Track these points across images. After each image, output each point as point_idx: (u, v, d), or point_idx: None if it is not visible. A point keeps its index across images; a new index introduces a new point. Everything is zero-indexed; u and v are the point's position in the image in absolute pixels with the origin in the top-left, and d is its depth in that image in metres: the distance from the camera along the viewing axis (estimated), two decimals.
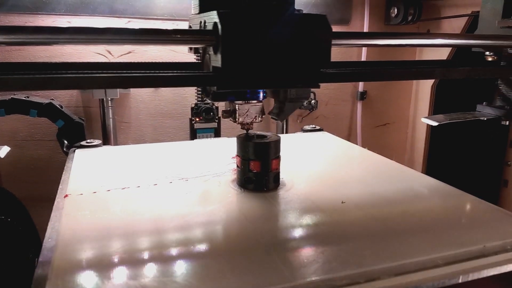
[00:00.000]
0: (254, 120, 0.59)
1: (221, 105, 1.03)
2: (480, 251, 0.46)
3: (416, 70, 0.61)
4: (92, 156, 0.78)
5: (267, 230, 0.50)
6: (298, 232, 0.50)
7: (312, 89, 0.71)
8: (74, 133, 0.95)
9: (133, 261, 0.42)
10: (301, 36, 0.46)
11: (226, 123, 1.09)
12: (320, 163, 0.76)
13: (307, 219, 0.53)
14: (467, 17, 1.11)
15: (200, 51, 0.52)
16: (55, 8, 0.93)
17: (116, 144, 1.02)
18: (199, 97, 1.02)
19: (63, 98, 0.99)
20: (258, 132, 0.63)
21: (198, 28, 0.49)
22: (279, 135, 0.63)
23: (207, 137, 1.02)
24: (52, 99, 0.96)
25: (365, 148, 0.89)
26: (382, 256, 0.43)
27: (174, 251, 0.45)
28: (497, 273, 0.44)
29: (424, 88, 1.28)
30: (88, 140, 0.86)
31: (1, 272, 0.63)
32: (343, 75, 0.56)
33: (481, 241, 0.47)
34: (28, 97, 0.91)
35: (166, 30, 0.44)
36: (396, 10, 1.17)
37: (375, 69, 0.58)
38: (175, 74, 0.44)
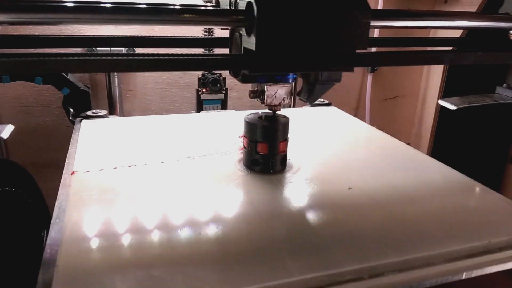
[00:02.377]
0: (283, 102, 0.58)
1: (228, 75, 1.01)
2: (485, 247, 0.46)
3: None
4: (98, 127, 0.78)
5: (271, 218, 0.50)
6: (302, 221, 0.50)
7: None
8: (79, 101, 0.94)
9: (139, 247, 0.43)
10: (339, 16, 0.43)
11: (232, 94, 1.07)
12: (327, 143, 0.75)
13: (312, 207, 0.53)
14: None
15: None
16: None
17: (122, 113, 1.01)
18: None
19: None
20: (267, 112, 0.62)
21: (227, 4, 0.47)
22: (287, 116, 0.61)
23: (213, 109, 1.01)
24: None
25: (373, 126, 0.88)
26: (387, 251, 0.43)
27: (180, 237, 0.45)
28: (501, 269, 0.44)
29: None
30: (94, 110, 0.85)
31: (14, 245, 0.64)
32: (380, 59, 0.51)
33: (487, 236, 0.47)
34: None
35: (196, 9, 0.42)
36: None
37: (413, 53, 0.54)
38: (206, 57, 0.42)
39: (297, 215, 0.51)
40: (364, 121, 1.26)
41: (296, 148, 0.69)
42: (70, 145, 0.70)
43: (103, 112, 0.85)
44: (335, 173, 0.62)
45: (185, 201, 0.52)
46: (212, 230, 0.46)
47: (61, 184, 0.56)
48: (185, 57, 0.38)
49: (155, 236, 0.45)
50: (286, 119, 0.61)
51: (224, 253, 0.42)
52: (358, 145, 0.76)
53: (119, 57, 0.37)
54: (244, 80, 0.48)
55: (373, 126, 1.23)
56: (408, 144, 1.39)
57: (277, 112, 0.61)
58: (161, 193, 0.54)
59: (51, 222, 0.47)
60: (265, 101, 0.54)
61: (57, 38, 0.56)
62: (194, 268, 0.40)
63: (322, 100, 1.00)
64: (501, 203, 0.55)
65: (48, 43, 0.53)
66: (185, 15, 0.40)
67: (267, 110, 0.61)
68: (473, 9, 1.09)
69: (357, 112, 1.28)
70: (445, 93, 1.25)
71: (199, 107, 1.01)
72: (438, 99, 1.26)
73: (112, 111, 0.99)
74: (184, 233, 0.45)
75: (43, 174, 0.83)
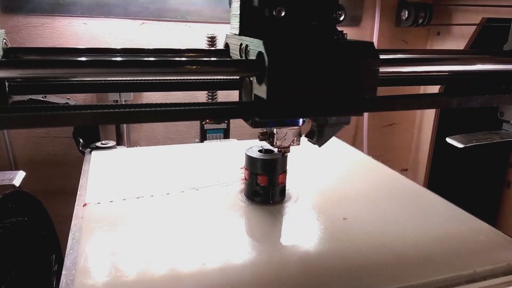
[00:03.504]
0: (292, 143, 0.60)
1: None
2: (470, 275, 0.49)
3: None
4: (106, 158, 0.82)
5: (269, 247, 0.53)
6: (298, 251, 0.53)
7: None
8: (89, 132, 0.98)
9: (148, 275, 0.46)
10: (349, 65, 0.45)
11: (234, 122, 1.12)
12: (325, 173, 0.79)
13: (309, 236, 0.56)
14: (479, 22, 1.11)
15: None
16: (72, 10, 0.95)
17: (129, 142, 1.06)
18: (209, 99, 1.04)
19: (79, 97, 1.02)
20: (266, 145, 0.65)
21: (237, 49, 0.49)
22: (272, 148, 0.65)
23: (216, 138, 1.05)
24: (69, 98, 0.99)
25: (371, 154, 0.92)
26: (379, 280, 0.47)
27: (185, 267, 0.48)
28: None
29: (433, 89, 1.29)
30: (103, 142, 0.90)
31: (27, 269, 0.68)
32: (388, 104, 0.52)
33: (473, 265, 0.50)
34: (45, 96, 0.95)
35: (209, 60, 0.43)
36: (406, 13, 1.17)
37: (421, 97, 0.57)
38: (216, 107, 0.43)
39: (294, 245, 0.54)
40: (362, 147, 1.30)
41: (295, 178, 0.72)
42: (81, 176, 0.74)
43: (112, 143, 0.89)
44: (332, 203, 0.66)
45: (189, 232, 0.56)
46: (213, 259, 0.50)
47: (74, 215, 0.60)
48: (199, 107, 0.41)
49: (161, 265, 0.48)
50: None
51: (224, 279, 0.46)
52: (354, 175, 0.79)
53: (127, 109, 0.40)
54: (255, 125, 0.49)
55: (371, 152, 1.27)
56: (406, 170, 1.43)
57: (260, 144, 0.65)
58: (167, 224, 0.58)
59: (66, 253, 0.51)
60: (274, 143, 0.57)
61: (71, 84, 0.60)
62: None
63: None
64: (489, 233, 0.58)
65: (64, 89, 0.57)
66: (197, 66, 0.42)
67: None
68: (464, 41, 1.15)
69: (355, 139, 1.32)
70: (440, 120, 1.29)
71: (203, 136, 1.06)
72: (433, 125, 1.30)
73: (119, 141, 1.03)
74: (189, 262, 0.49)
75: (53, 201, 0.87)
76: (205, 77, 0.54)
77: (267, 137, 0.57)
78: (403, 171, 1.42)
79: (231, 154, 0.86)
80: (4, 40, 0.52)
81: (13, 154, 1.02)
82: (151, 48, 0.55)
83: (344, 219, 0.60)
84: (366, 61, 0.45)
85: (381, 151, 1.36)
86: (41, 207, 0.78)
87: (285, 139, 0.56)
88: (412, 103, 0.54)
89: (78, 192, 0.67)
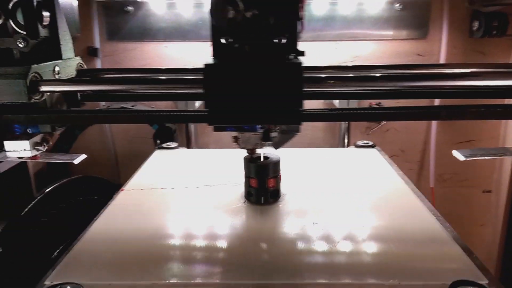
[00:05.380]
0: (255, 147, 0.71)
1: None
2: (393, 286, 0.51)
3: (419, 112, 0.62)
4: (163, 156, 1.01)
5: (246, 242, 0.63)
6: (260, 244, 0.62)
7: None
8: (165, 135, 1.20)
9: (140, 255, 0.61)
10: (277, 82, 0.52)
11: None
12: (336, 184, 0.83)
13: (278, 235, 0.64)
14: None
15: None
16: (156, 36, 1.18)
17: (197, 145, 1.25)
18: None
19: (161, 105, 1.24)
20: (266, 153, 0.75)
21: None
22: (279, 156, 0.74)
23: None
24: (153, 107, 1.23)
25: (401, 176, 0.89)
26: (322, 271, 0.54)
27: (180, 244, 0.62)
28: None
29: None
30: (168, 143, 1.09)
31: None
32: (322, 116, 0.59)
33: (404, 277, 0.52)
34: (134, 105, 1.20)
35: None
36: (477, 23, 1.10)
37: (354, 111, 0.63)
38: (172, 113, 0.59)
39: (263, 237, 0.64)
40: (429, 166, 1.25)
41: (301, 183, 0.80)
42: (138, 168, 0.94)
43: (174, 144, 1.08)
44: (315, 210, 0.71)
45: (186, 220, 0.70)
46: (198, 240, 0.63)
47: (113, 197, 0.79)
48: (160, 113, 0.57)
49: (159, 240, 0.63)
50: (277, 159, 0.73)
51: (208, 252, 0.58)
52: (368, 193, 0.78)
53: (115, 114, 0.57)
54: (215, 129, 0.59)
55: (443, 170, 1.22)
56: (489, 191, 1.31)
57: (273, 152, 0.74)
58: (171, 211, 0.72)
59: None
60: (240, 146, 0.67)
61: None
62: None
63: (367, 141, 1.06)
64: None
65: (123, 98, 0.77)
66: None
67: (271, 150, 0.73)
68: None
69: (423, 158, 1.27)
70: None
71: None
72: None
73: (189, 144, 1.23)
74: (185, 241, 0.63)
75: None
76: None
77: (236, 140, 0.67)
78: (486, 192, 1.30)
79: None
80: (79, 64, 0.72)
81: (114, 149, 1.30)
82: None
83: (314, 223, 0.66)
84: (286, 80, 0.52)
85: (455, 170, 1.28)
86: (113, 188, 1.00)
87: (248, 142, 0.65)
88: (351, 115, 0.58)
89: (128, 181, 0.87)
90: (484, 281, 0.51)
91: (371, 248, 0.60)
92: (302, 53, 0.57)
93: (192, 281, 0.53)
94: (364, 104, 1.15)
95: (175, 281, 0.53)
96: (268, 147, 0.67)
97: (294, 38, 0.56)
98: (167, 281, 0.53)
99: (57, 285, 0.51)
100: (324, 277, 0.53)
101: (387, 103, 1.10)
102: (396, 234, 0.63)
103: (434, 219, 0.67)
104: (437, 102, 1.12)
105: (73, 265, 0.57)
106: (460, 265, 0.55)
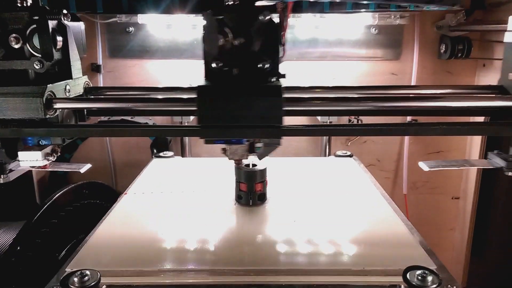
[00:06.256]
0: (242, 157, 0.81)
1: None
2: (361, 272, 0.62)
3: (390, 128, 0.71)
4: (160, 164, 1.11)
5: (236, 237, 0.74)
6: (250, 237, 0.72)
7: None
8: (161, 145, 1.31)
9: (146, 247, 0.71)
10: (260, 102, 0.61)
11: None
12: (317, 190, 0.93)
13: (264, 230, 0.75)
14: None
15: None
16: (154, 54, 1.29)
17: (191, 154, 1.35)
18: None
19: (157, 119, 1.34)
20: (255, 161, 0.85)
21: None
22: (265, 164, 0.84)
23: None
24: (151, 119, 1.33)
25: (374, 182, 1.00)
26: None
27: (171, 241, 0.72)
28: None
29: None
30: (165, 152, 1.19)
31: None
32: (300, 131, 0.67)
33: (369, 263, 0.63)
34: (133, 117, 1.29)
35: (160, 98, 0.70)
36: (444, 46, 1.23)
37: (332, 127, 0.73)
38: (169, 128, 0.70)
39: (252, 233, 0.74)
40: (403, 174, 1.37)
41: (287, 188, 0.91)
42: (138, 175, 1.04)
43: (170, 154, 1.18)
44: (298, 211, 0.82)
45: (181, 218, 0.80)
46: (195, 235, 0.73)
47: (117, 200, 0.89)
48: (154, 128, 0.67)
49: (161, 234, 0.73)
50: (264, 167, 0.84)
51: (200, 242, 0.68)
52: (346, 199, 0.88)
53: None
54: (206, 141, 0.67)
55: (415, 178, 1.33)
56: (458, 198, 1.43)
57: (262, 161, 0.84)
58: (167, 212, 0.82)
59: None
60: (228, 157, 0.77)
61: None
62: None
63: (345, 152, 1.17)
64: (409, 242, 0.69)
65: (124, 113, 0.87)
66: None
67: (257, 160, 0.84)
68: None
69: (398, 166, 1.39)
70: (487, 148, 1.29)
71: None
72: (480, 153, 1.30)
73: (183, 154, 1.33)
74: (184, 235, 0.73)
75: None
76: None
77: (225, 151, 0.76)
78: (454, 199, 1.43)
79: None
80: (86, 82, 0.81)
81: (112, 157, 1.39)
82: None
83: (294, 221, 0.77)
84: (268, 101, 0.61)
85: (428, 178, 1.41)
86: (114, 193, 1.10)
87: (235, 153, 0.75)
88: (328, 130, 0.69)
89: (130, 186, 0.97)
90: (433, 267, 0.61)
91: (341, 240, 0.71)
92: (283, 76, 0.66)
93: (190, 267, 0.63)
94: (344, 119, 1.27)
95: (177, 267, 0.63)
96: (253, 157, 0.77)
97: (276, 63, 0.64)
98: (170, 268, 0.63)
99: (77, 271, 0.61)
100: (302, 263, 0.63)
101: (364, 118, 1.22)
102: (363, 229, 0.75)
103: (397, 217, 0.78)
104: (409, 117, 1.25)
105: (89, 255, 0.66)
106: (414, 253, 0.66)
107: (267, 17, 0.61)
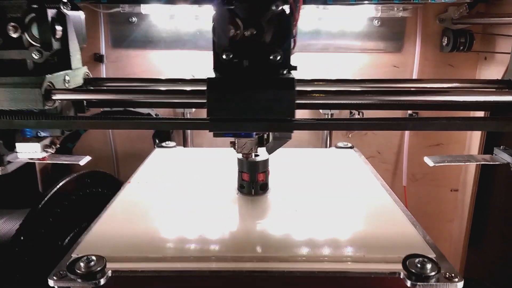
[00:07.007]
0: (251, 151, 0.81)
1: None
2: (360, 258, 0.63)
3: (390, 123, 0.70)
4: (163, 154, 1.12)
5: (239, 225, 0.75)
6: (252, 226, 0.74)
7: None
8: (163, 135, 1.31)
9: (151, 234, 0.72)
10: (272, 95, 0.59)
11: None
12: (317, 180, 0.95)
13: (266, 219, 0.76)
14: None
15: None
16: (158, 45, 1.30)
17: (192, 144, 1.36)
18: None
19: (160, 110, 1.34)
20: (256, 153, 0.86)
21: None
22: (267, 155, 0.85)
23: None
24: (153, 109, 1.33)
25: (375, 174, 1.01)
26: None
27: (175, 228, 0.73)
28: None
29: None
30: (167, 142, 1.20)
31: None
32: (310, 125, 0.66)
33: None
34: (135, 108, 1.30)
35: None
36: (446, 39, 1.24)
37: (342, 121, 0.73)
38: (176, 121, 0.70)
39: (254, 222, 0.75)
40: (403, 166, 1.38)
41: (289, 180, 0.92)
42: (141, 164, 1.05)
43: (172, 144, 1.19)
44: (299, 201, 0.83)
45: (185, 206, 0.81)
46: (199, 222, 0.74)
47: (121, 188, 0.90)
48: (159, 121, 0.68)
49: (165, 221, 0.74)
50: (266, 157, 0.85)
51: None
52: (345, 189, 0.90)
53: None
54: (215, 135, 0.67)
55: (415, 170, 1.35)
56: (456, 190, 1.44)
57: (263, 151, 0.85)
58: (171, 201, 0.83)
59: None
60: (237, 150, 0.78)
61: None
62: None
63: (346, 143, 1.18)
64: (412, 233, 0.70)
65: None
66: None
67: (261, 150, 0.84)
68: (504, 68, 1.17)
69: (398, 159, 1.40)
70: (487, 141, 1.29)
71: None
72: (480, 146, 1.31)
73: (185, 144, 1.34)
74: (188, 223, 0.74)
75: None
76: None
77: (234, 144, 0.77)
78: (453, 191, 1.44)
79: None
80: (86, 73, 0.81)
81: (114, 147, 1.40)
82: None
83: (295, 210, 0.78)
84: (281, 94, 0.60)
85: (428, 170, 1.41)
86: (117, 183, 1.11)
87: (244, 147, 0.76)
88: (340, 124, 0.69)
89: (133, 175, 0.98)
90: (432, 255, 0.63)
91: (343, 229, 0.72)
92: (295, 68, 0.64)
93: (194, 253, 0.64)
94: (345, 111, 1.28)
95: (181, 254, 0.64)
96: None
97: (287, 55, 0.62)
98: (174, 254, 0.64)
99: (82, 257, 0.62)
100: (305, 250, 0.64)
101: (365, 111, 1.23)
102: (363, 219, 0.76)
103: (397, 207, 0.79)
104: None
105: (95, 241, 0.67)
106: (413, 242, 0.67)
107: (280, 8, 0.59)
